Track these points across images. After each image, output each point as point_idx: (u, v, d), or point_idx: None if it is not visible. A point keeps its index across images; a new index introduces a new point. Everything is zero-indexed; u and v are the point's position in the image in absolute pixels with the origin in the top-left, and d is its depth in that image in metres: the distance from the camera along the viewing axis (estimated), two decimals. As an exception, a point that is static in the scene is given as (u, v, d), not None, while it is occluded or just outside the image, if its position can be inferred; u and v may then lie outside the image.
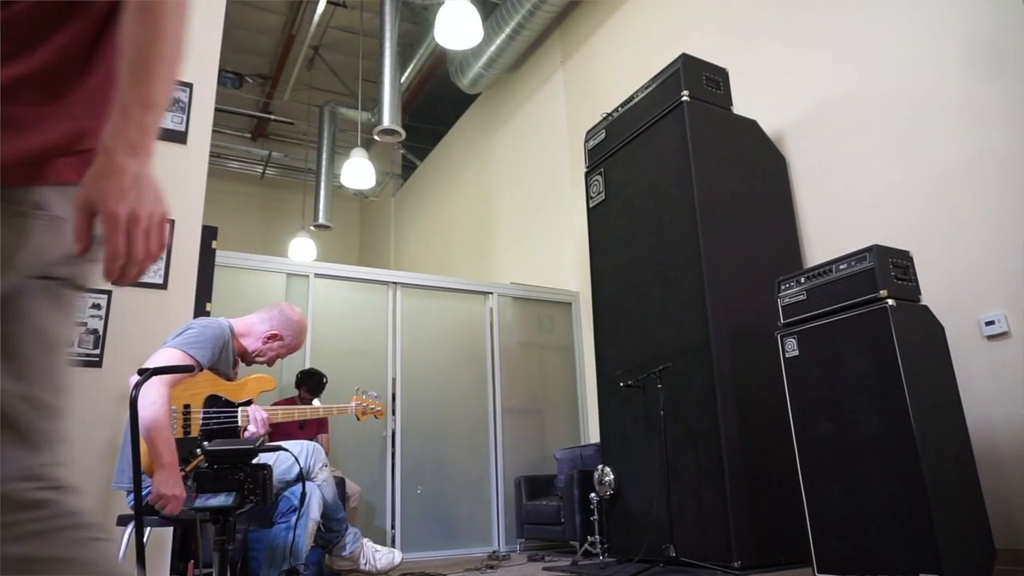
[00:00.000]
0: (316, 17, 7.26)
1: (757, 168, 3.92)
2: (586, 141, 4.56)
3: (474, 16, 5.00)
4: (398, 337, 4.99)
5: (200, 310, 3.69)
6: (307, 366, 4.53)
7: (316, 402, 4.30)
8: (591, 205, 4.41)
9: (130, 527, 2.18)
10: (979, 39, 3.19)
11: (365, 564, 2.53)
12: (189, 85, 3.76)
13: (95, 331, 3.24)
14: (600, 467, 3.90)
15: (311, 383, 4.35)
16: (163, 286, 3.43)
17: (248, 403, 2.34)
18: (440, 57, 7.99)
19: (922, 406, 2.49)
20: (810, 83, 4.02)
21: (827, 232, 3.82)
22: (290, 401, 4.35)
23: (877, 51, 3.65)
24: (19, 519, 0.81)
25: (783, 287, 3.04)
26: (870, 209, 3.60)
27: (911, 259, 2.80)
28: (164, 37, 0.90)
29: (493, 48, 6.67)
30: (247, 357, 2.46)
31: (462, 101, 8.56)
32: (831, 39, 3.91)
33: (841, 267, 2.82)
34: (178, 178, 3.61)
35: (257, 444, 1.43)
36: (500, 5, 6.51)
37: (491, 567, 3.79)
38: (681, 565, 3.18)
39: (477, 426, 5.14)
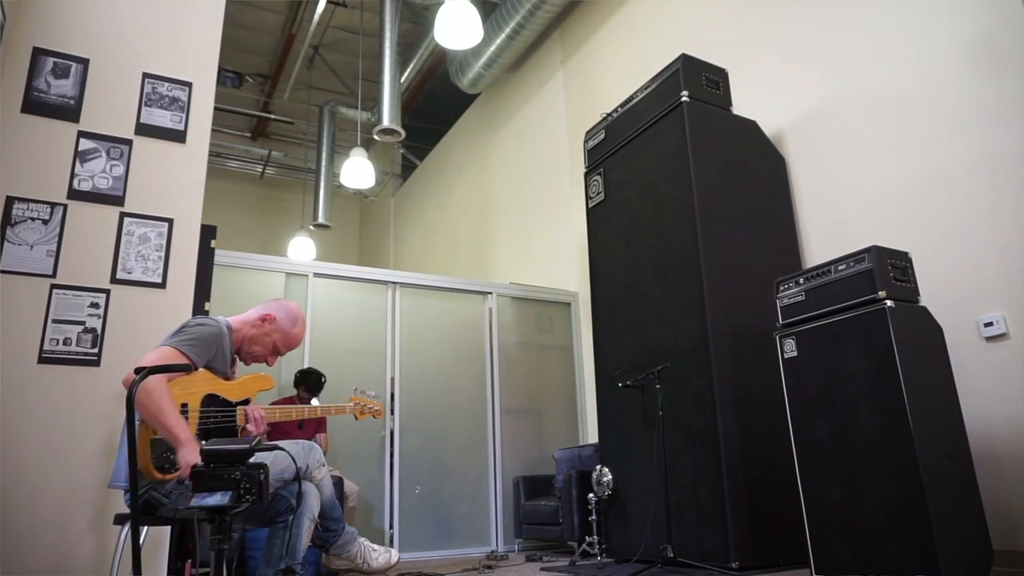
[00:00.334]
0: (316, 16, 7.26)
1: (756, 169, 3.92)
2: (586, 141, 4.56)
3: (474, 16, 4.99)
4: (397, 337, 4.99)
5: (199, 309, 3.69)
6: (306, 365, 4.53)
7: (315, 401, 4.30)
8: (590, 205, 4.41)
9: (127, 526, 2.17)
10: (978, 41, 3.19)
11: (362, 563, 2.53)
12: (188, 84, 3.76)
13: (93, 330, 3.23)
14: (598, 467, 3.90)
15: (310, 382, 4.35)
16: (162, 285, 3.43)
17: (246, 402, 2.34)
18: (440, 57, 8.00)
19: (920, 407, 2.49)
20: (810, 84, 4.02)
21: (826, 233, 3.82)
22: (288, 400, 4.35)
23: (877, 52, 3.65)
24: None
25: (782, 288, 3.04)
26: (869, 210, 3.59)
27: (910, 260, 2.80)
28: None
29: (493, 48, 6.67)
30: (243, 350, 2.45)
31: (462, 101, 8.56)
32: (831, 40, 3.91)
33: (840, 268, 2.81)
34: (177, 177, 3.62)
35: (253, 444, 1.43)
36: (500, 5, 6.51)
37: (489, 567, 3.79)
38: (679, 566, 3.17)
39: (476, 426, 5.13)
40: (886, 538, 2.48)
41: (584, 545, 3.80)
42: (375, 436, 4.78)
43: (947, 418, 2.58)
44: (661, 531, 3.37)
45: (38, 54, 3.45)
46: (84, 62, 3.54)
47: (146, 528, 2.54)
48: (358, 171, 7.06)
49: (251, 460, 1.45)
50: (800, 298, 2.95)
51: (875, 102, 3.63)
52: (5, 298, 3.11)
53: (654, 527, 3.47)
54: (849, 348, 2.70)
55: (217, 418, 2.21)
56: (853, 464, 2.62)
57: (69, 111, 3.45)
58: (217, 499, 1.38)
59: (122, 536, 2.21)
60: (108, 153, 3.48)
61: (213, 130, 3.89)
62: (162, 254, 3.47)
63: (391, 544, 4.51)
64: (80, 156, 3.41)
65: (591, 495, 3.81)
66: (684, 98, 3.76)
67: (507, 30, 6.45)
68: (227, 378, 2.35)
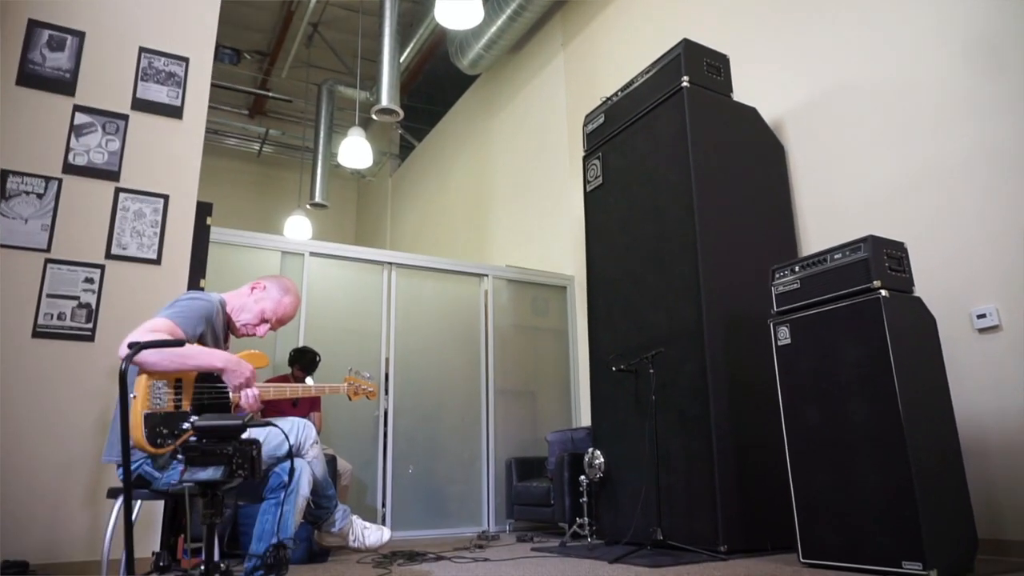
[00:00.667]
0: (316, -7, 7.18)
1: (756, 156, 3.91)
2: (585, 125, 4.54)
3: (475, -5, 4.94)
4: (392, 317, 4.99)
5: (194, 286, 3.69)
6: (300, 344, 4.54)
7: (309, 380, 4.31)
8: (588, 189, 4.40)
9: (120, 500, 2.19)
10: (981, 34, 3.18)
11: (354, 541, 2.55)
12: (185, 59, 3.73)
13: (87, 305, 3.23)
14: (590, 450, 3.92)
15: (304, 361, 4.36)
16: (156, 261, 3.43)
17: (240, 379, 2.33)
18: (440, 37, 7.93)
19: (911, 397, 2.51)
20: (811, 72, 4.00)
21: (823, 221, 3.82)
22: (283, 379, 4.36)
23: (879, 42, 3.63)
24: None
25: (777, 275, 3.05)
26: (866, 199, 3.59)
27: (905, 250, 2.80)
28: None
29: (494, 29, 6.62)
30: (233, 321, 2.44)
31: (461, 82, 8.50)
32: (834, 28, 3.89)
33: (836, 257, 2.82)
34: (173, 153, 3.60)
35: (246, 420, 1.44)
36: (502, -15, 6.45)
37: (480, 547, 3.82)
38: (668, 548, 3.21)
39: (469, 407, 5.16)
40: (873, 525, 2.50)
41: (575, 527, 3.84)
42: (369, 416, 4.80)
43: (937, 408, 2.60)
44: (651, 514, 3.40)
45: (33, 26, 3.42)
46: (80, 35, 3.51)
47: (139, 503, 2.55)
48: (356, 151, 7.03)
49: (244, 436, 1.46)
50: (795, 286, 2.95)
51: (875, 92, 3.62)
52: (-1, 271, 3.10)
53: (644, 510, 3.50)
54: (843, 337, 2.71)
55: (211, 394, 2.21)
56: (843, 452, 2.64)
57: (65, 84, 3.42)
58: (209, 474, 1.39)
59: (115, 510, 2.22)
60: (104, 128, 3.46)
61: (210, 107, 3.87)
62: (157, 230, 3.46)
63: (383, 523, 4.55)
64: (76, 130, 3.39)
65: (583, 477, 3.84)
66: (685, 83, 3.74)
67: (508, 11, 6.39)
68: (221, 354, 2.35)
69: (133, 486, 2.10)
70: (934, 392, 2.61)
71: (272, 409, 4.10)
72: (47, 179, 3.28)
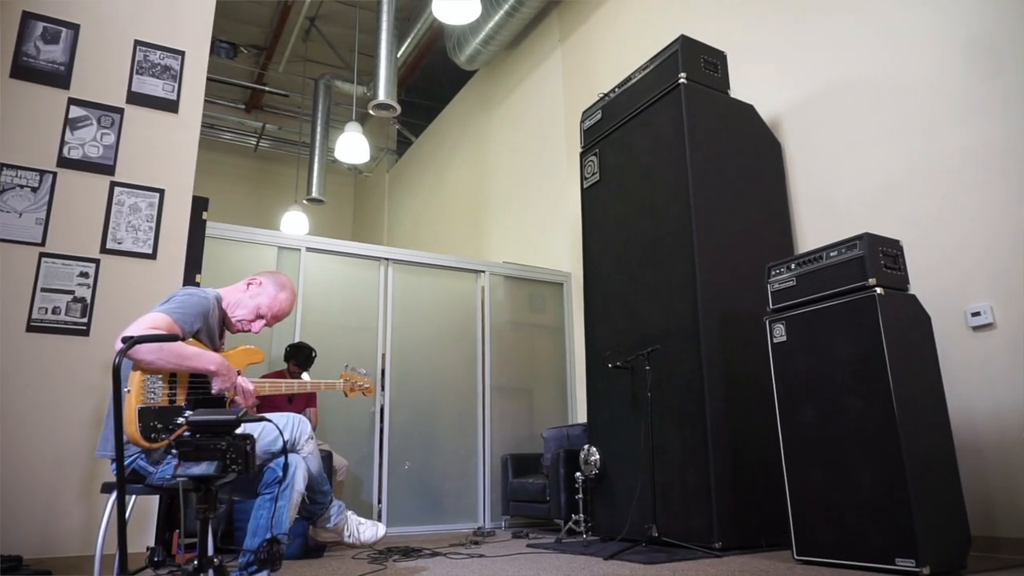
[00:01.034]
0: (313, -13, 7.15)
1: (752, 153, 3.91)
2: (582, 121, 4.53)
3: (472, -9, 4.93)
4: (389, 313, 4.99)
5: (190, 281, 3.67)
6: (297, 340, 4.53)
7: (305, 376, 4.30)
8: (585, 186, 4.40)
9: (114, 495, 2.18)
10: (977, 34, 3.18)
11: (349, 536, 2.55)
12: (181, 53, 3.71)
13: (82, 300, 3.22)
14: (586, 447, 3.93)
15: (300, 356, 4.35)
16: (152, 256, 3.41)
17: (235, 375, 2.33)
18: (438, 32, 7.91)
19: (906, 394, 2.51)
20: (808, 69, 4.00)
21: (819, 219, 3.83)
22: (279, 374, 4.36)
23: (876, 40, 3.63)
24: None
25: (773, 273, 3.05)
26: (862, 197, 3.60)
27: (901, 248, 2.81)
28: None
29: (491, 24, 6.60)
30: (229, 316, 2.43)
31: (459, 77, 8.48)
32: (831, 26, 3.89)
33: (831, 254, 2.82)
34: (169, 147, 3.58)
35: (240, 415, 1.43)
36: (499, -20, 6.43)
37: (476, 543, 3.83)
38: (663, 545, 3.21)
39: (466, 403, 5.16)
40: (867, 522, 2.51)
41: (570, 523, 3.84)
42: (365, 412, 4.80)
43: (932, 406, 2.60)
44: (647, 511, 3.40)
45: (28, 18, 3.40)
46: (75, 28, 3.49)
47: (134, 497, 2.54)
48: (353, 146, 7.01)
49: (238, 431, 1.46)
50: (791, 283, 2.96)
51: (871, 90, 3.62)
52: (-7, 265, 3.09)
53: (640, 507, 3.51)
54: (838, 334, 2.72)
55: (206, 389, 2.20)
56: (837, 449, 2.65)
57: (59, 77, 3.40)
58: (203, 468, 1.39)
59: (109, 505, 2.22)
60: (99, 121, 3.44)
61: (207, 101, 3.86)
62: (153, 225, 3.45)
63: (379, 519, 4.55)
64: (70, 124, 3.38)
65: (578, 474, 3.84)
66: (682, 80, 3.74)
67: (506, 7, 6.38)
68: (216, 350, 2.35)
69: (128, 481, 2.10)
70: (928, 390, 2.62)
71: (268, 405, 4.09)
72: (41, 172, 3.27)
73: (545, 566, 2.84)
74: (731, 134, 3.84)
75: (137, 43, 3.62)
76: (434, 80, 9.35)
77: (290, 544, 3.05)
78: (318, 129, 8.55)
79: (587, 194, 4.38)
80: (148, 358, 2.02)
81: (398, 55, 7.00)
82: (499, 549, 3.52)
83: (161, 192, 3.50)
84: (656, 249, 3.74)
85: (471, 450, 5.10)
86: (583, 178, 4.42)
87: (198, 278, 3.81)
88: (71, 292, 3.21)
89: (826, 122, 3.85)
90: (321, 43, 8.59)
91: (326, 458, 3.85)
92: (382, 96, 6.20)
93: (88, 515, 3.01)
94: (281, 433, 2.17)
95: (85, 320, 3.20)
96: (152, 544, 3.12)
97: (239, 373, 2.28)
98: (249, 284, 2.49)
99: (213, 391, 2.18)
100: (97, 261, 3.29)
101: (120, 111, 3.50)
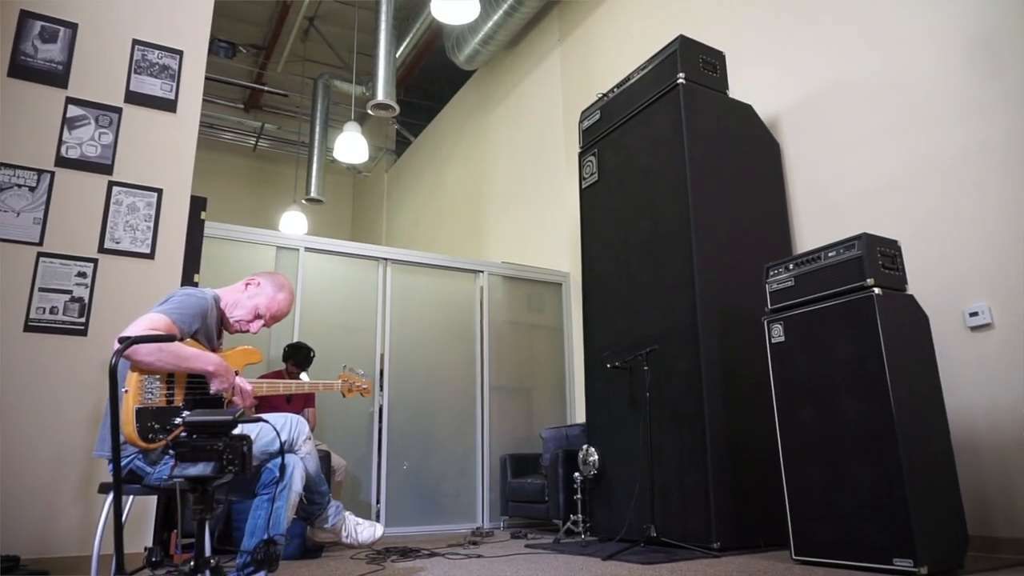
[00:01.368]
0: (311, -13, 7.15)
1: (751, 153, 3.91)
2: (581, 121, 4.53)
3: (471, -10, 4.93)
4: (388, 313, 4.99)
5: (188, 281, 3.67)
6: (295, 340, 4.53)
7: (304, 376, 4.30)
8: (584, 186, 4.40)
9: (111, 495, 2.18)
10: (976, 34, 3.18)
11: (347, 537, 2.55)
12: (179, 52, 3.70)
13: (80, 299, 3.22)
14: (585, 447, 3.93)
15: (299, 356, 4.35)
16: (150, 255, 3.41)
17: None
18: (436, 32, 7.91)
19: (903, 394, 2.51)
20: (807, 69, 4.00)
21: (817, 219, 3.83)
22: (277, 374, 4.35)
23: (875, 40, 3.63)
24: None
25: (771, 273, 3.05)
26: (860, 197, 3.60)
27: (899, 248, 2.81)
28: None
29: (490, 24, 6.60)
30: (227, 317, 2.43)
31: (458, 77, 8.48)
32: (830, 26, 3.89)
33: (830, 254, 2.82)
34: (167, 147, 3.58)
35: (236, 416, 1.43)
36: (498, -20, 6.43)
37: (474, 543, 3.82)
38: (661, 545, 3.21)
39: (464, 403, 5.16)
40: (865, 522, 2.51)
41: (568, 523, 3.84)
42: (364, 412, 4.79)
43: (930, 406, 2.60)
44: (645, 511, 3.40)
45: (25, 17, 3.40)
46: (72, 27, 3.48)
47: (131, 498, 2.54)
48: (352, 146, 7.01)
49: (235, 432, 1.46)
50: (789, 283, 2.96)
51: (870, 90, 3.62)
52: (-9, 265, 3.08)
53: (638, 507, 3.51)
54: (836, 334, 2.72)
55: (204, 389, 2.20)
56: (835, 449, 2.65)
57: (57, 76, 3.40)
58: (199, 469, 1.39)
59: (106, 505, 2.22)
60: (97, 121, 3.44)
61: (205, 101, 3.86)
62: (151, 224, 3.45)
63: (377, 519, 4.54)
64: (68, 123, 3.37)
65: (577, 474, 3.84)
66: (680, 80, 3.73)
67: (504, 6, 6.38)
68: (214, 350, 2.34)
69: (125, 481, 2.10)
70: (926, 390, 2.62)
71: (266, 405, 4.08)
72: (39, 172, 3.26)
73: (543, 566, 2.84)
74: (730, 134, 3.84)
75: (135, 42, 3.61)
76: (433, 80, 9.35)
77: (288, 544, 3.05)
78: (317, 129, 8.54)
79: (586, 194, 4.37)
80: (147, 359, 2.02)
81: (397, 55, 7.00)
82: (497, 549, 3.52)
83: (159, 192, 3.49)
84: (655, 249, 3.74)
85: (469, 450, 5.09)
86: (582, 178, 4.42)
87: (196, 278, 3.81)
88: (69, 292, 3.20)
89: (825, 122, 3.85)
90: (320, 43, 8.59)
91: (324, 458, 3.84)
92: (381, 96, 6.19)
93: (86, 515, 3.00)
94: (278, 434, 2.17)
95: (83, 320, 3.20)
96: (150, 544, 3.12)
97: (237, 373, 2.28)
98: (247, 284, 2.49)
99: (211, 391, 2.18)
100: (95, 261, 3.28)
101: (118, 110, 3.49)
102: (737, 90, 4.13)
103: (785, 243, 3.88)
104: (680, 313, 3.51)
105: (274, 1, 8.17)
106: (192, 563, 1.42)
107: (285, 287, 2.52)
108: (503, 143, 7.43)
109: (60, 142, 3.33)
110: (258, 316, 2.44)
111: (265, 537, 2.02)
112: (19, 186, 3.21)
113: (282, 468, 2.15)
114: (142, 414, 2.01)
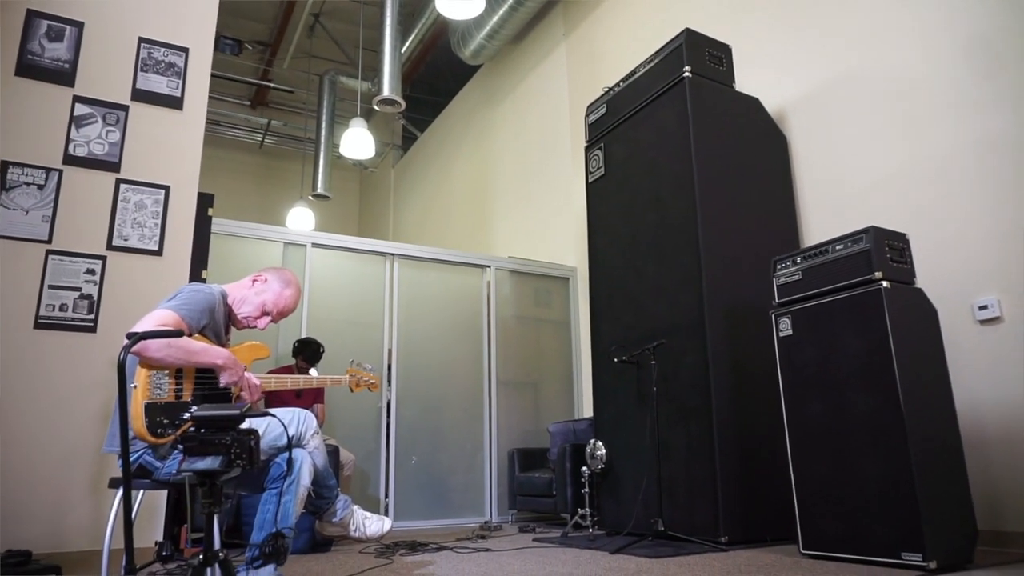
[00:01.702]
0: (317, -17, 7.15)
1: (758, 146, 3.89)
2: (587, 116, 4.52)
3: (476, -15, 4.92)
4: (395, 308, 5.00)
5: (196, 277, 3.69)
6: (303, 335, 4.54)
7: (313, 371, 4.32)
8: (590, 180, 4.39)
9: (121, 490, 2.20)
10: (983, 30, 3.15)
11: (355, 531, 2.56)
12: (185, 50, 3.71)
13: (89, 296, 3.24)
14: (592, 441, 3.93)
15: (308, 352, 4.37)
16: (158, 252, 3.43)
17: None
18: (442, 27, 7.90)
19: (912, 388, 2.50)
20: (814, 62, 3.97)
21: (825, 212, 3.81)
22: (287, 369, 4.37)
23: (882, 33, 3.60)
24: None
25: (779, 266, 3.04)
26: (868, 191, 3.58)
27: (907, 242, 2.79)
28: None
29: (495, 19, 6.58)
30: (235, 313, 2.44)
31: (463, 72, 8.47)
32: (837, 19, 3.86)
33: (837, 248, 2.81)
34: (174, 144, 3.59)
35: (244, 410, 1.44)
36: (504, -26, 6.41)
37: (482, 537, 3.84)
38: (669, 539, 3.21)
39: (472, 398, 5.17)
40: (873, 516, 2.50)
41: (576, 517, 3.85)
42: (372, 407, 4.81)
43: (938, 400, 2.59)
44: (653, 505, 3.40)
45: (32, 16, 3.41)
46: (79, 25, 3.50)
47: (141, 492, 2.56)
48: (358, 141, 7.01)
49: (243, 426, 1.46)
50: (797, 277, 2.94)
51: (877, 84, 3.59)
52: (0, 263, 3.11)
53: (646, 501, 3.51)
54: (844, 328, 2.70)
55: (212, 384, 2.22)
56: (844, 443, 2.64)
57: (64, 75, 3.41)
58: (207, 463, 1.39)
59: (117, 500, 2.23)
60: (104, 119, 3.45)
61: (212, 98, 3.87)
62: (158, 221, 3.46)
63: (386, 513, 4.56)
64: (75, 121, 3.39)
65: (584, 468, 3.85)
66: (687, 74, 3.72)
67: (510, 1, 6.36)
68: (222, 346, 2.36)
69: (135, 476, 2.11)
70: (935, 383, 2.61)
71: (276, 400, 4.11)
72: (47, 170, 3.28)
73: (551, 560, 2.85)
74: (736, 128, 3.82)
75: (141, 40, 3.62)
76: (439, 75, 9.34)
77: (296, 538, 3.07)
78: (323, 125, 8.56)
79: (592, 188, 4.37)
80: (156, 355, 2.04)
81: (402, 50, 6.99)
82: (505, 543, 3.53)
83: (166, 189, 3.51)
84: (661, 243, 3.73)
85: (477, 444, 5.11)
86: (588, 172, 4.41)
87: (204, 274, 3.83)
88: (78, 289, 3.23)
89: (832, 116, 3.83)
90: (325, 39, 8.59)
91: (333, 453, 3.86)
92: (387, 92, 6.19)
93: (96, 510, 3.03)
94: (286, 428, 2.18)
95: (92, 317, 3.22)
96: (160, 538, 3.14)
97: (245, 369, 2.29)
98: (254, 281, 2.50)
99: (220, 384, 2.19)
100: (103, 258, 3.31)
101: (125, 108, 3.51)
102: (744, 83, 4.11)
103: (792, 237, 3.86)
104: (687, 307, 3.50)
105: (280, -3, 8.18)
106: (201, 557, 1.43)
107: (292, 283, 2.52)
108: (509, 138, 7.42)
109: (68, 140, 3.35)
110: (265, 312, 2.45)
111: (274, 531, 2.03)
112: (28, 184, 3.23)
113: (289, 462, 2.16)
114: (151, 409, 2.03)
